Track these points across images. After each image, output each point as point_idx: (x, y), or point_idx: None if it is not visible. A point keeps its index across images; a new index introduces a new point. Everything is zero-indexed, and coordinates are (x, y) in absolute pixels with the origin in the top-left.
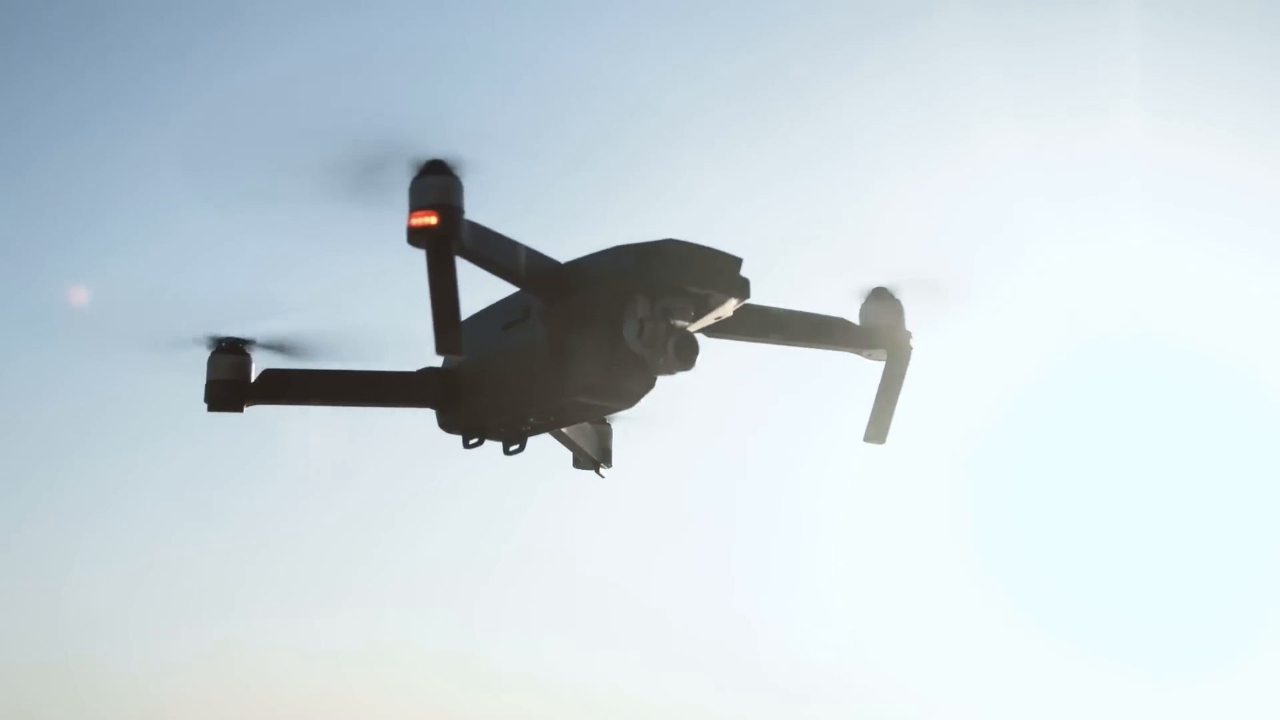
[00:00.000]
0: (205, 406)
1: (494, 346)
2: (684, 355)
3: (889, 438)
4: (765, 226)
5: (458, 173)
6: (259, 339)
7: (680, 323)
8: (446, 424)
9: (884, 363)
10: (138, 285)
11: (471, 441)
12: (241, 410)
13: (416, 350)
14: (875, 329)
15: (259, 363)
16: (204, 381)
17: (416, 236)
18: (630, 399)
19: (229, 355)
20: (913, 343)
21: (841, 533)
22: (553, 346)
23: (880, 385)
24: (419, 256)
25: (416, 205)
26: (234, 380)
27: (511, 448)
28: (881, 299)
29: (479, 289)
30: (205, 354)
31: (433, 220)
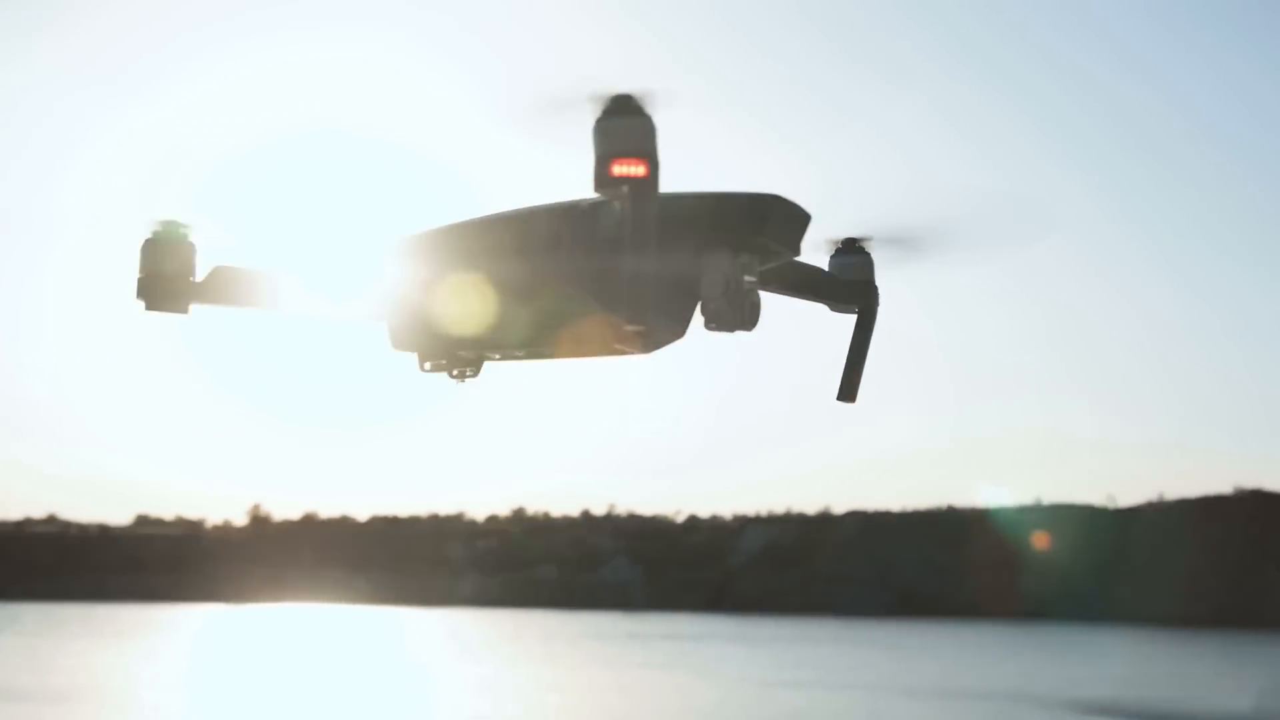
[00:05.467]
0: (142, 304)
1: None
2: (753, 317)
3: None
4: None
5: (650, 112)
6: (201, 223)
7: (750, 279)
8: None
9: (854, 318)
10: None
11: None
12: (187, 311)
13: None
14: (846, 283)
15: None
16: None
17: (617, 185)
18: (655, 349)
19: (173, 243)
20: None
21: None
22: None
23: (852, 342)
24: None
25: (618, 150)
26: (178, 274)
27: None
28: (852, 251)
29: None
30: (142, 238)
31: (641, 170)
